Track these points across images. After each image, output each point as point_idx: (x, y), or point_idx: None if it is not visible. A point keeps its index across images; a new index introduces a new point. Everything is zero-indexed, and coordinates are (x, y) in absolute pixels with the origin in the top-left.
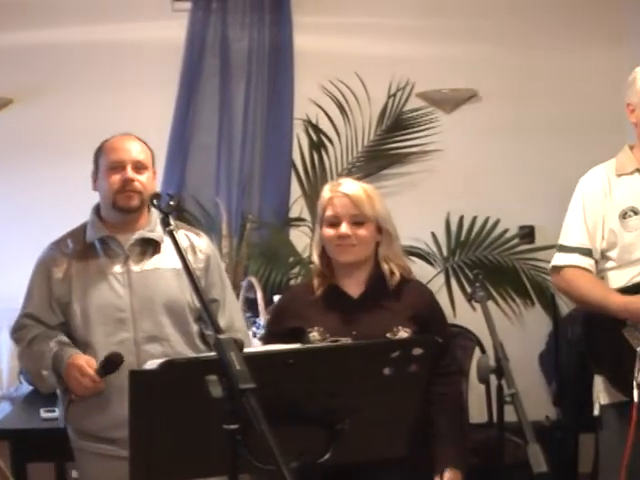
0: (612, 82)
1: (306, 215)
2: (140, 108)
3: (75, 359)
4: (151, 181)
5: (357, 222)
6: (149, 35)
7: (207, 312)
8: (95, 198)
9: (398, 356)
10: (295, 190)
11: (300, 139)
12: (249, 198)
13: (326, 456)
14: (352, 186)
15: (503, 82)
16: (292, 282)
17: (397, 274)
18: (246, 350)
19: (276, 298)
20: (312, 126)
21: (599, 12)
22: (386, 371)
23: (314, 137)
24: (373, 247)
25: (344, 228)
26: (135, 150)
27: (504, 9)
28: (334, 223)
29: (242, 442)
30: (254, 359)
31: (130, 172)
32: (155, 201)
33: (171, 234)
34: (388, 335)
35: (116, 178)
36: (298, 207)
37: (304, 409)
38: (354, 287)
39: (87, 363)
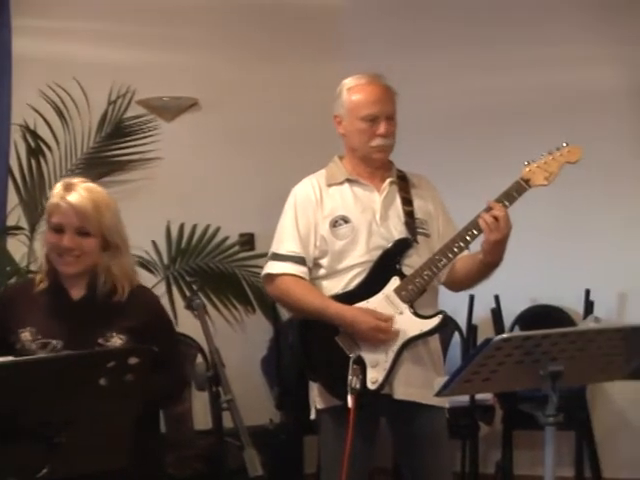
0: (326, 93)
1: (24, 223)
2: None
3: None
4: None
5: (83, 233)
6: None
7: None
8: None
9: (114, 366)
10: (12, 198)
11: (17, 145)
12: None
13: (44, 470)
14: (79, 196)
15: (222, 92)
16: None
17: (120, 286)
18: None
19: None
20: (30, 132)
21: (313, 25)
22: (102, 381)
23: (32, 143)
24: (97, 256)
25: (67, 241)
26: None
27: (224, 19)
28: (59, 230)
29: None
30: None
31: None
32: None
33: None
34: (100, 341)
35: None
36: (15, 215)
37: (19, 423)
38: (76, 289)
39: None
